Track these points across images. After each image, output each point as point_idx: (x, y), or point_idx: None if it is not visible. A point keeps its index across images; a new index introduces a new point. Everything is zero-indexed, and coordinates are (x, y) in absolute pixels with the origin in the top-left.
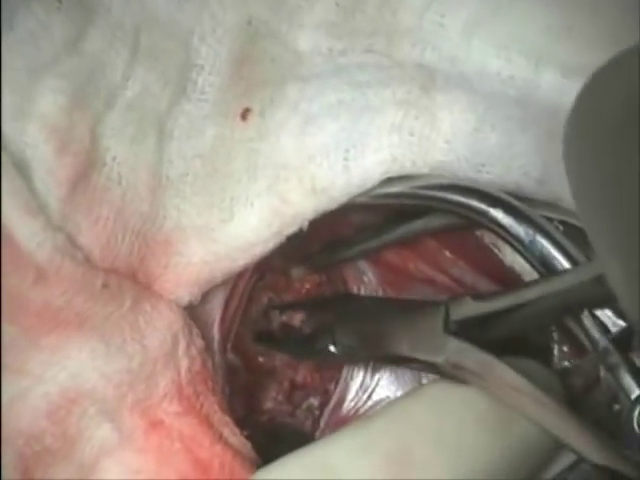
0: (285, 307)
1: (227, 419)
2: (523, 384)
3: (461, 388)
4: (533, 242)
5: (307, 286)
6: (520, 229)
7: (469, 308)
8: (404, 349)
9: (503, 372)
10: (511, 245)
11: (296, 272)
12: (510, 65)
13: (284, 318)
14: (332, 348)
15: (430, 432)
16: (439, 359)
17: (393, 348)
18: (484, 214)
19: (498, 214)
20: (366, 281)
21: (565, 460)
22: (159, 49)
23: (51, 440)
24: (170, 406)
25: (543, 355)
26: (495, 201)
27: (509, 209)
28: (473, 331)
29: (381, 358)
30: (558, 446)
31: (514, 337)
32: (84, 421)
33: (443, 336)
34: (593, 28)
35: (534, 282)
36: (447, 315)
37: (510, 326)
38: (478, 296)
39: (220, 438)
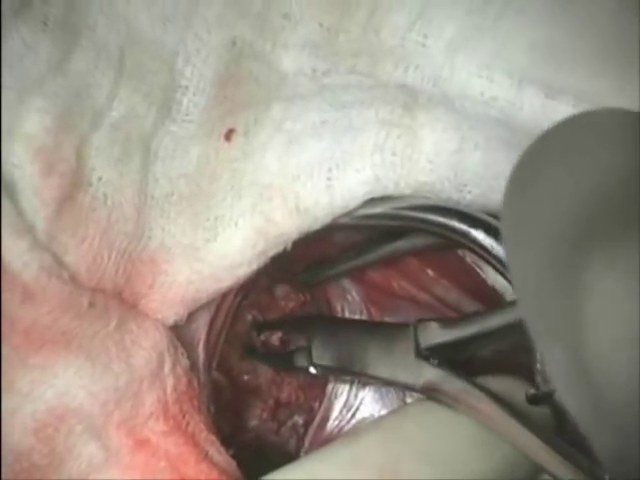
0: (262, 327)
1: (213, 438)
2: (496, 412)
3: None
4: None
5: (291, 305)
6: (501, 249)
7: (436, 334)
8: (382, 372)
9: (478, 399)
10: (492, 265)
11: (280, 291)
12: (493, 85)
13: (262, 338)
14: (312, 369)
15: (419, 448)
16: (416, 384)
17: (371, 371)
18: (465, 235)
19: (479, 235)
20: (350, 299)
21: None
22: (144, 70)
23: (39, 457)
24: (156, 425)
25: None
26: (476, 222)
27: (490, 230)
28: (444, 354)
29: (361, 379)
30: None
31: (496, 354)
32: (71, 439)
33: (416, 361)
34: (575, 47)
35: (500, 308)
36: (417, 340)
37: (481, 348)
38: (444, 322)
39: (206, 457)
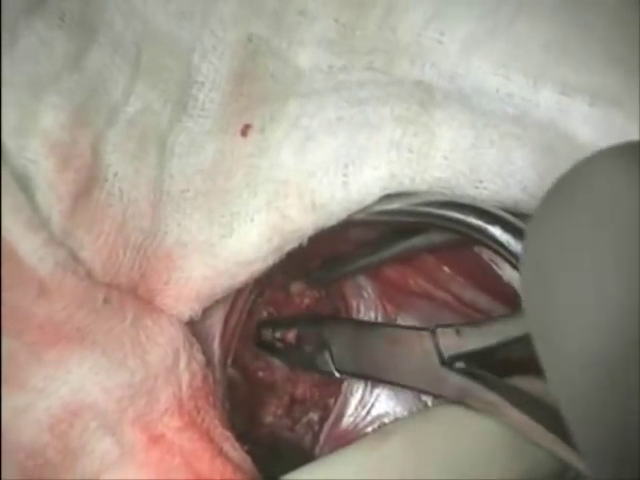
0: (277, 324)
1: (227, 434)
2: (523, 419)
3: (473, 414)
4: None
5: (307, 301)
6: (518, 246)
7: (455, 343)
8: (406, 380)
9: (509, 411)
10: (509, 262)
11: (296, 287)
12: (509, 83)
13: (277, 335)
14: (336, 373)
15: (441, 456)
16: (443, 393)
17: (393, 377)
18: (482, 231)
19: (496, 231)
20: (365, 296)
21: None
22: (160, 66)
23: (53, 454)
24: (171, 421)
25: None
26: (493, 218)
27: (507, 226)
28: (468, 360)
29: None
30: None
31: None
32: (86, 435)
33: (441, 369)
34: (589, 47)
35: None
36: (438, 348)
37: (506, 354)
38: (461, 330)
39: (220, 453)
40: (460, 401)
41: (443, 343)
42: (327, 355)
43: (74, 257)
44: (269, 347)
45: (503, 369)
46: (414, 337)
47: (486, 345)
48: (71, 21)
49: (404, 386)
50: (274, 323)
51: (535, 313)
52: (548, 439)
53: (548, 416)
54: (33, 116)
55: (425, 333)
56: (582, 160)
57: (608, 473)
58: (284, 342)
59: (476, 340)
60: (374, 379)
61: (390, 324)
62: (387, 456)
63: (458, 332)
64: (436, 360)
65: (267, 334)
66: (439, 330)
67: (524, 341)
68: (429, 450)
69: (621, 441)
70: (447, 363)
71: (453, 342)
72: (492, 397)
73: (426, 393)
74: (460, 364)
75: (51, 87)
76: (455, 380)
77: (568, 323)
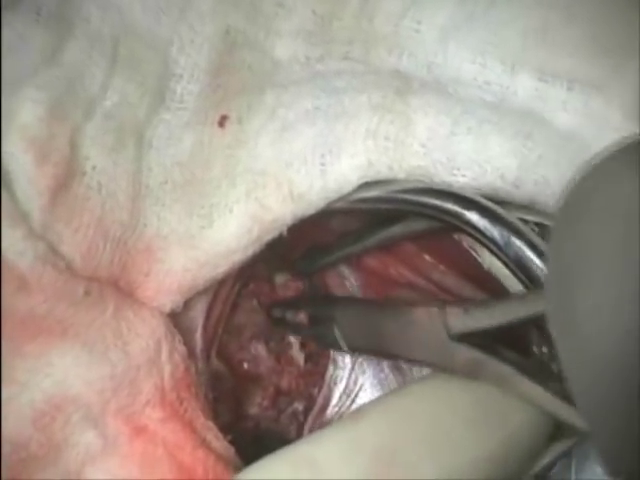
0: (287, 305)
1: (210, 424)
2: (542, 395)
3: (449, 385)
4: (508, 244)
5: (290, 292)
6: (495, 231)
7: (463, 322)
8: (414, 354)
9: (521, 382)
10: (487, 247)
11: (279, 278)
12: (486, 70)
13: (288, 317)
14: (345, 347)
15: (418, 430)
16: (453, 366)
17: (401, 352)
18: (459, 217)
19: (473, 217)
20: (348, 286)
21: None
22: (138, 59)
23: (37, 447)
24: (153, 412)
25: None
26: (470, 204)
27: (484, 211)
28: (476, 337)
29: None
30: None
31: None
32: (69, 427)
33: (451, 343)
34: (568, 31)
35: (526, 296)
36: (447, 325)
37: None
38: (467, 309)
39: (203, 443)
40: (469, 373)
41: (451, 321)
42: (337, 332)
43: (54, 250)
44: (282, 322)
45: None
46: (422, 313)
47: (493, 324)
48: (48, 15)
49: (414, 361)
50: (284, 304)
51: (557, 314)
52: (563, 409)
53: (560, 387)
54: (11, 110)
55: (434, 309)
56: (598, 161)
57: (617, 464)
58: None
59: (484, 319)
60: (384, 354)
61: (398, 300)
62: (361, 434)
63: (466, 311)
64: (445, 335)
65: (278, 313)
66: (448, 308)
67: (532, 322)
68: (402, 425)
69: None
70: (456, 338)
71: (461, 321)
72: (504, 369)
73: (436, 367)
74: (468, 340)
75: (29, 81)
76: (465, 353)
77: (588, 324)
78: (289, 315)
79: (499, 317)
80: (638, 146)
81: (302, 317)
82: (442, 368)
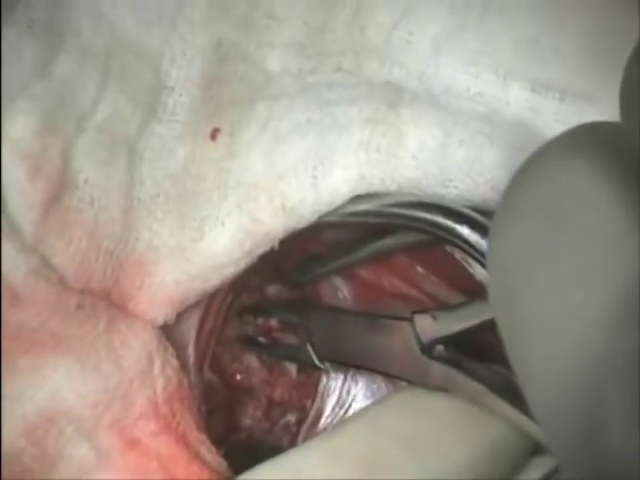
0: (258, 311)
1: (203, 437)
2: (511, 413)
3: (430, 394)
4: None
5: None
6: (485, 244)
7: (433, 329)
8: (387, 368)
9: (492, 400)
10: (478, 260)
11: (272, 290)
12: (478, 81)
13: (259, 322)
14: (317, 361)
15: (399, 437)
16: (426, 381)
17: (375, 366)
18: (450, 231)
19: (464, 230)
20: (341, 297)
21: (540, 467)
22: (129, 72)
23: (30, 460)
24: (147, 425)
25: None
26: (461, 217)
27: (475, 225)
28: (449, 343)
29: (366, 372)
30: (532, 451)
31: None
32: (62, 441)
33: (422, 357)
34: (559, 42)
35: None
36: (417, 336)
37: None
38: (436, 315)
39: (197, 457)
40: (443, 389)
41: (421, 329)
42: (309, 346)
43: (46, 264)
44: (250, 341)
45: (483, 352)
46: (393, 326)
47: (463, 328)
48: (40, 28)
49: (387, 374)
50: (255, 310)
51: (502, 320)
52: (530, 426)
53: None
54: (3, 124)
55: (403, 323)
56: (537, 150)
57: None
58: (265, 330)
59: (453, 324)
60: (357, 367)
61: (370, 312)
62: (345, 443)
63: (434, 317)
64: (417, 348)
65: (249, 320)
66: (416, 316)
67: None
68: (385, 433)
69: (590, 448)
70: (427, 349)
71: (430, 327)
72: (475, 386)
73: (409, 381)
74: (440, 348)
75: (21, 94)
76: (437, 369)
77: (533, 333)
78: (260, 321)
79: (467, 320)
80: (573, 133)
81: (273, 323)
82: (417, 383)
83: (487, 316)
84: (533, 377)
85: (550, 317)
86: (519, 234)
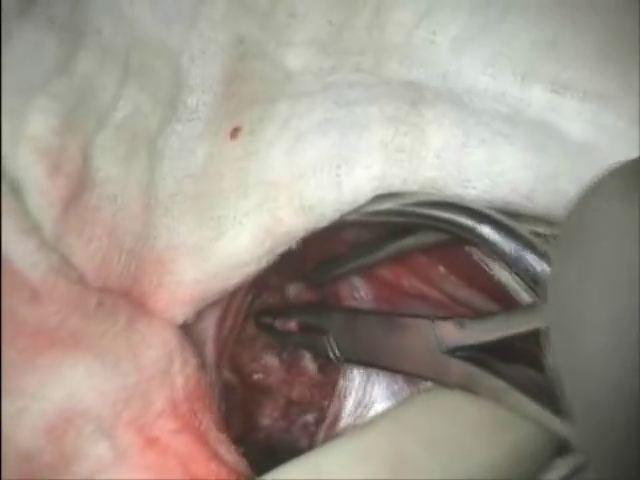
0: (276, 313)
1: (222, 437)
2: (535, 409)
3: (454, 394)
4: (519, 258)
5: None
6: (506, 245)
7: (456, 336)
8: (405, 366)
9: (514, 397)
10: (498, 261)
11: (292, 289)
12: (498, 82)
13: (277, 325)
14: (334, 356)
15: (424, 438)
16: (445, 380)
17: (393, 364)
18: (471, 230)
19: (485, 230)
20: (360, 298)
21: (563, 468)
22: (149, 70)
23: (49, 458)
24: (166, 423)
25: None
26: (482, 217)
27: (496, 225)
28: (469, 352)
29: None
30: (554, 452)
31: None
32: (81, 439)
33: (443, 357)
34: (577, 42)
35: (524, 311)
36: (438, 338)
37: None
38: (461, 323)
39: (215, 456)
40: (463, 387)
41: (443, 335)
42: (326, 341)
43: (66, 262)
44: (269, 329)
45: (505, 358)
46: (413, 325)
47: (489, 339)
48: (60, 25)
49: (406, 373)
50: (274, 312)
51: (559, 333)
52: (559, 426)
53: (553, 401)
54: (23, 121)
55: (423, 321)
56: (595, 182)
57: (606, 471)
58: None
59: (480, 334)
60: (374, 366)
61: (390, 312)
62: (370, 444)
63: (461, 325)
64: (437, 349)
65: (266, 320)
66: (437, 322)
67: (528, 338)
68: (411, 432)
69: (624, 446)
70: (448, 352)
71: (455, 334)
72: (497, 383)
73: (428, 380)
74: (461, 354)
75: (41, 91)
76: (458, 367)
77: (590, 343)
78: (278, 323)
79: (495, 332)
80: (634, 165)
81: (292, 325)
82: (436, 382)
83: (517, 330)
84: (585, 387)
85: (607, 326)
86: (581, 254)
